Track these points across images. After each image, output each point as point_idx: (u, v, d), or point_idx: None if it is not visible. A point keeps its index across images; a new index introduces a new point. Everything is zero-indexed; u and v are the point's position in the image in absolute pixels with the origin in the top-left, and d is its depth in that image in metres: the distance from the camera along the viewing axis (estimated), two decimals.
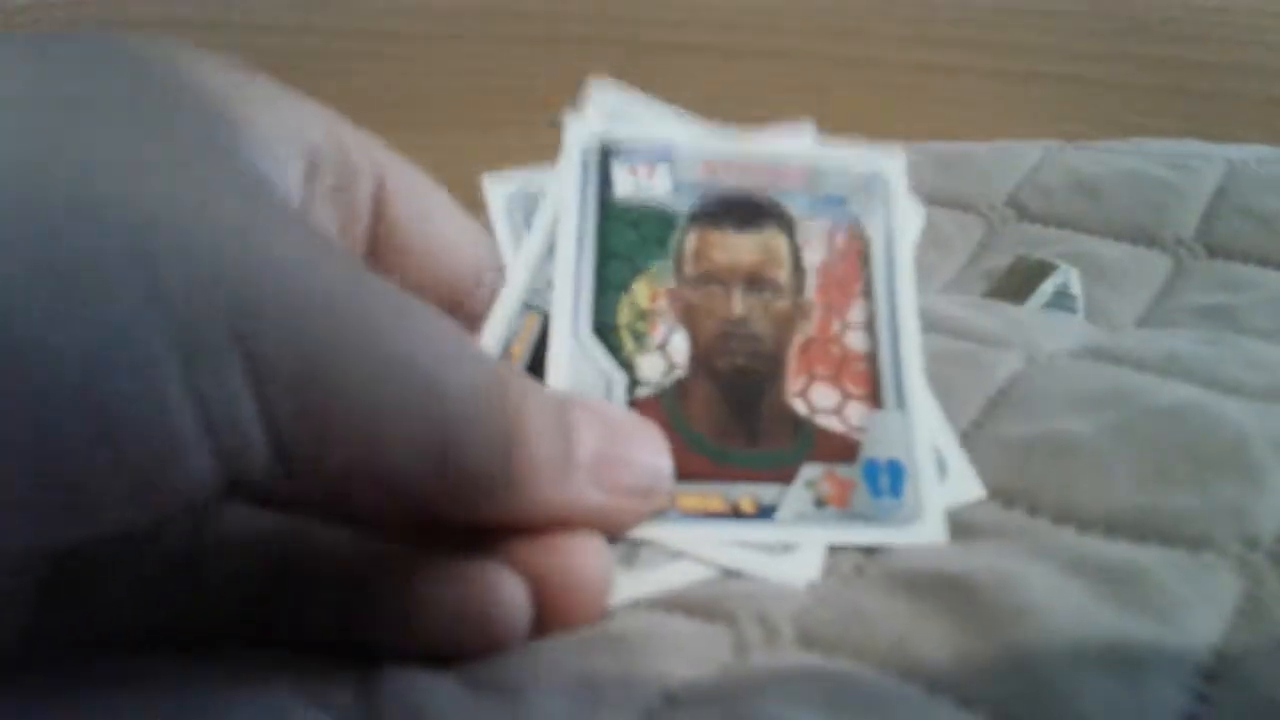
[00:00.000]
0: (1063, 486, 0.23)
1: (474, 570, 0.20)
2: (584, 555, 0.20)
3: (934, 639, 0.19)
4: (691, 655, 0.20)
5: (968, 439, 0.25)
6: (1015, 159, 0.48)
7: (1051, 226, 0.44)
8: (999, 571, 0.21)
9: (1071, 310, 0.38)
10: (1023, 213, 0.45)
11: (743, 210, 0.25)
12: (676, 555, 0.22)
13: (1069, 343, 0.29)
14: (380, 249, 0.23)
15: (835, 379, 0.24)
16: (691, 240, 0.25)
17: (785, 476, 0.23)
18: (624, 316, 0.24)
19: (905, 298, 0.25)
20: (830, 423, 0.24)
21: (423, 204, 0.24)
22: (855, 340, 0.25)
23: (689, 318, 0.25)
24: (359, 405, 0.17)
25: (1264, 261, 0.40)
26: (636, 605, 0.22)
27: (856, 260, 0.26)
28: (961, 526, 0.23)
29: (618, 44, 0.66)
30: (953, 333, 0.29)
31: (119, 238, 0.16)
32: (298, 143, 0.21)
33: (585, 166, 0.25)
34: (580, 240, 0.25)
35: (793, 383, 0.24)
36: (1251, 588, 0.20)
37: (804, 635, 0.20)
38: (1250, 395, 0.25)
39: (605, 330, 0.24)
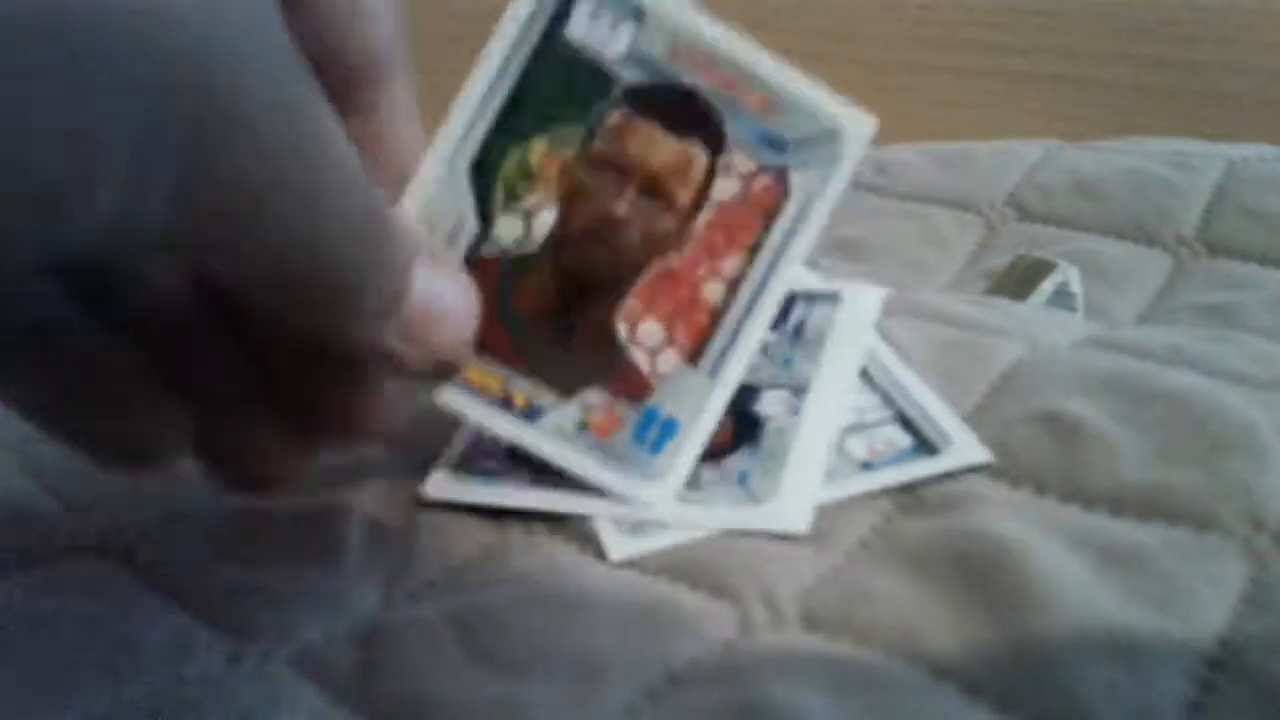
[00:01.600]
0: (1069, 465, 0.23)
1: None
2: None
3: (939, 625, 0.19)
4: (695, 633, 0.20)
5: (971, 423, 0.25)
6: (1015, 158, 0.48)
7: (1052, 225, 0.44)
8: (1005, 551, 0.20)
9: (1072, 309, 0.38)
10: (1023, 212, 0.45)
11: (680, 112, 0.23)
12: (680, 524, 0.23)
13: (1070, 336, 0.29)
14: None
15: (669, 321, 0.24)
16: (614, 118, 0.23)
17: (569, 390, 0.23)
18: (508, 168, 0.23)
19: (783, 272, 0.24)
20: (640, 359, 0.23)
21: None
22: (711, 292, 0.24)
23: (569, 198, 0.23)
24: (245, 184, 0.17)
25: (1264, 260, 0.40)
26: (642, 567, 0.22)
27: (761, 213, 0.24)
28: (969, 501, 0.23)
29: None
30: (953, 323, 0.29)
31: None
32: None
33: None
34: (503, 70, 0.23)
35: (630, 306, 0.23)
36: (1257, 573, 0.20)
37: (809, 617, 0.20)
38: (1254, 385, 0.25)
39: (483, 171, 0.23)
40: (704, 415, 0.23)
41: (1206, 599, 0.19)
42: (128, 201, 0.17)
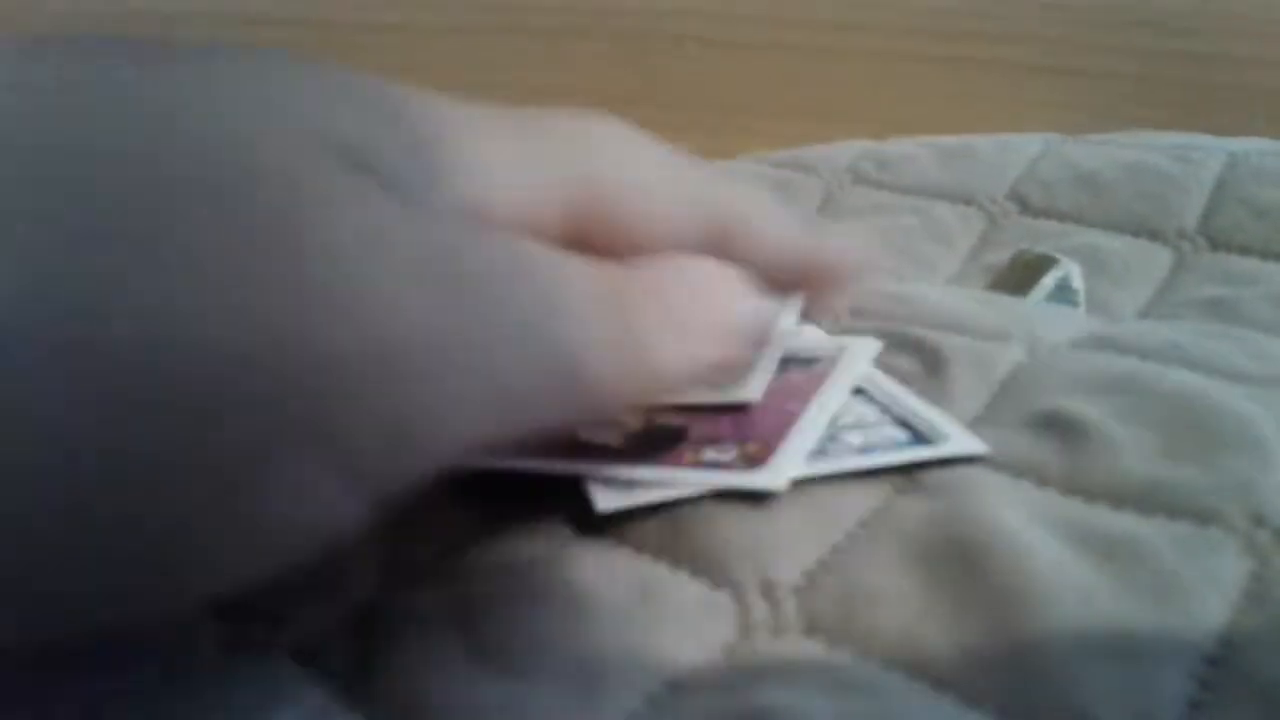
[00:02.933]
0: (1070, 460, 0.23)
1: None
2: None
3: (939, 630, 0.19)
4: (696, 633, 0.20)
5: (973, 430, 0.25)
6: (1016, 152, 0.48)
7: (1053, 220, 0.44)
8: (1004, 542, 0.20)
9: (1073, 304, 0.38)
10: (1024, 206, 0.45)
11: None
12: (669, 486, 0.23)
13: (1071, 334, 0.29)
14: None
15: None
16: None
17: None
18: None
19: None
20: None
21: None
22: None
23: None
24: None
25: (1265, 254, 0.40)
26: (638, 544, 0.22)
27: None
28: (969, 489, 0.23)
29: (620, 37, 0.66)
30: (953, 327, 0.29)
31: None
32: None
33: None
34: None
35: None
36: (1258, 569, 0.20)
37: (808, 618, 0.20)
38: (1255, 383, 0.25)
39: None
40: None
41: (1207, 595, 0.20)
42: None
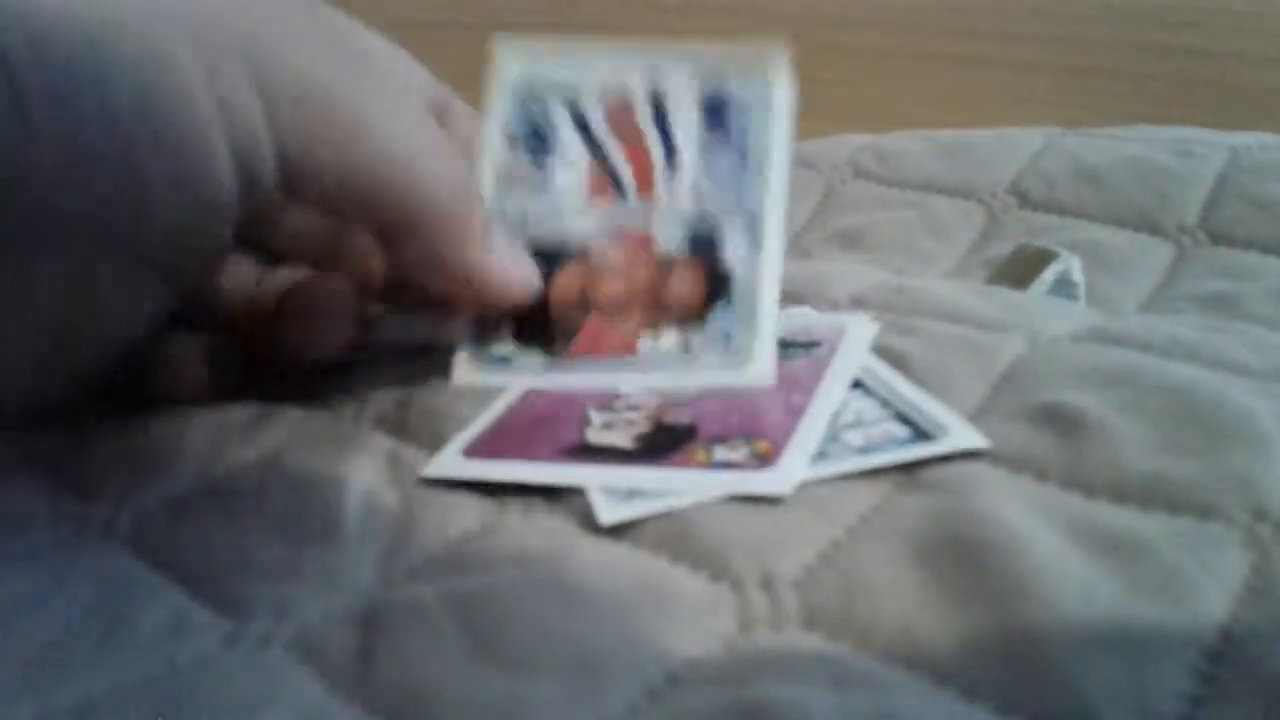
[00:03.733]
0: (1070, 454, 0.23)
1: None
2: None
3: (939, 623, 0.19)
4: (695, 626, 0.20)
5: (973, 422, 0.25)
6: (1017, 146, 0.48)
7: (1053, 214, 0.44)
8: (1005, 537, 0.20)
9: (1073, 297, 0.38)
10: (1025, 200, 0.45)
11: None
12: (675, 494, 0.23)
13: (1071, 327, 0.29)
14: None
15: None
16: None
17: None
18: None
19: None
20: None
21: None
22: None
23: None
24: (343, 140, 0.24)
25: (1266, 249, 0.40)
26: (638, 540, 0.22)
27: None
28: (969, 484, 0.23)
29: (618, 30, 0.66)
30: (954, 319, 0.29)
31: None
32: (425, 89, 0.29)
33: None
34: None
35: None
36: (1259, 562, 0.20)
37: (808, 611, 0.20)
38: (1256, 377, 0.25)
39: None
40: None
41: (1208, 589, 0.19)
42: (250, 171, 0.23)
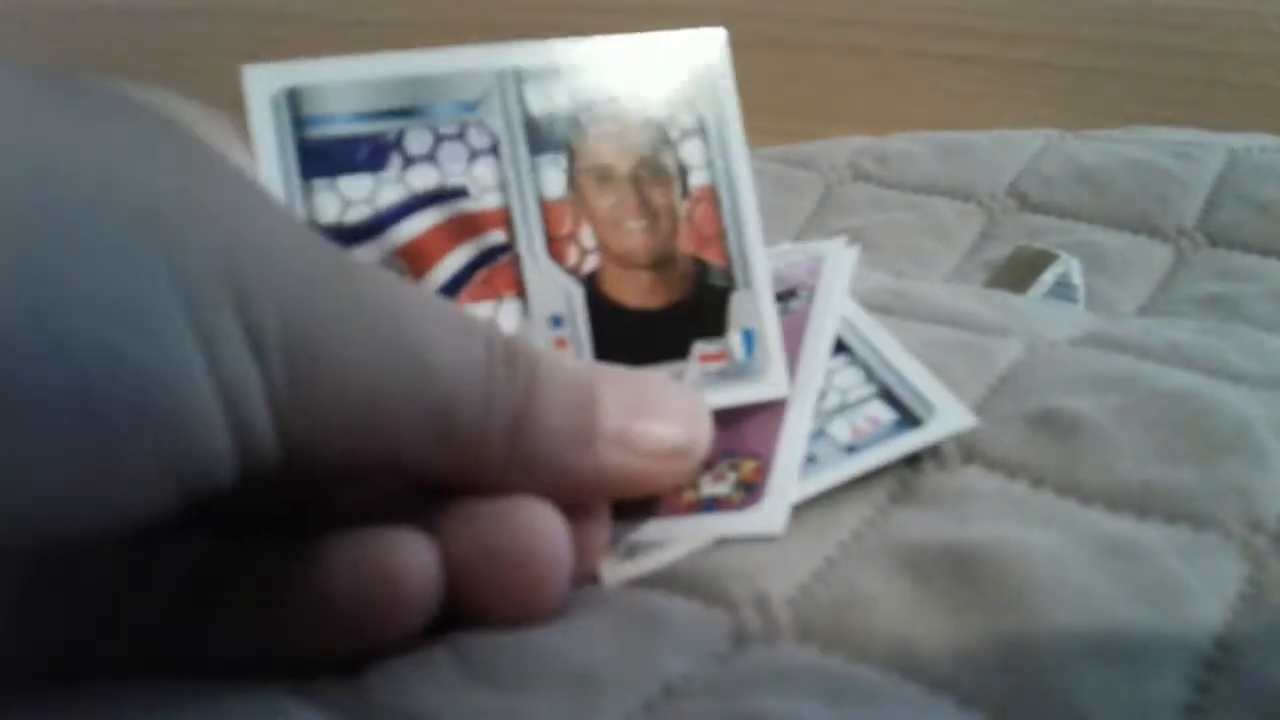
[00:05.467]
0: (1066, 460, 0.23)
1: (378, 540, 0.19)
2: (526, 521, 0.20)
3: (934, 632, 0.19)
4: (690, 644, 0.20)
5: None
6: (1016, 148, 0.48)
7: (1053, 216, 0.44)
8: (1000, 547, 0.20)
9: (1072, 300, 0.38)
10: (1024, 202, 0.45)
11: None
12: (671, 544, 0.22)
13: (1070, 331, 0.29)
14: None
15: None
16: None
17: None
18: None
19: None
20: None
21: None
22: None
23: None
24: (349, 377, 0.18)
25: (1266, 251, 0.40)
26: (633, 584, 0.22)
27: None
28: (964, 494, 0.23)
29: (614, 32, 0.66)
30: (952, 322, 0.29)
31: (126, 213, 0.16)
32: None
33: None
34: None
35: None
36: (1254, 572, 0.20)
37: (803, 625, 0.20)
38: (1253, 384, 0.25)
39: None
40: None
41: (1204, 598, 0.19)
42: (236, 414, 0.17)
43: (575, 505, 0.21)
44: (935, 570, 0.20)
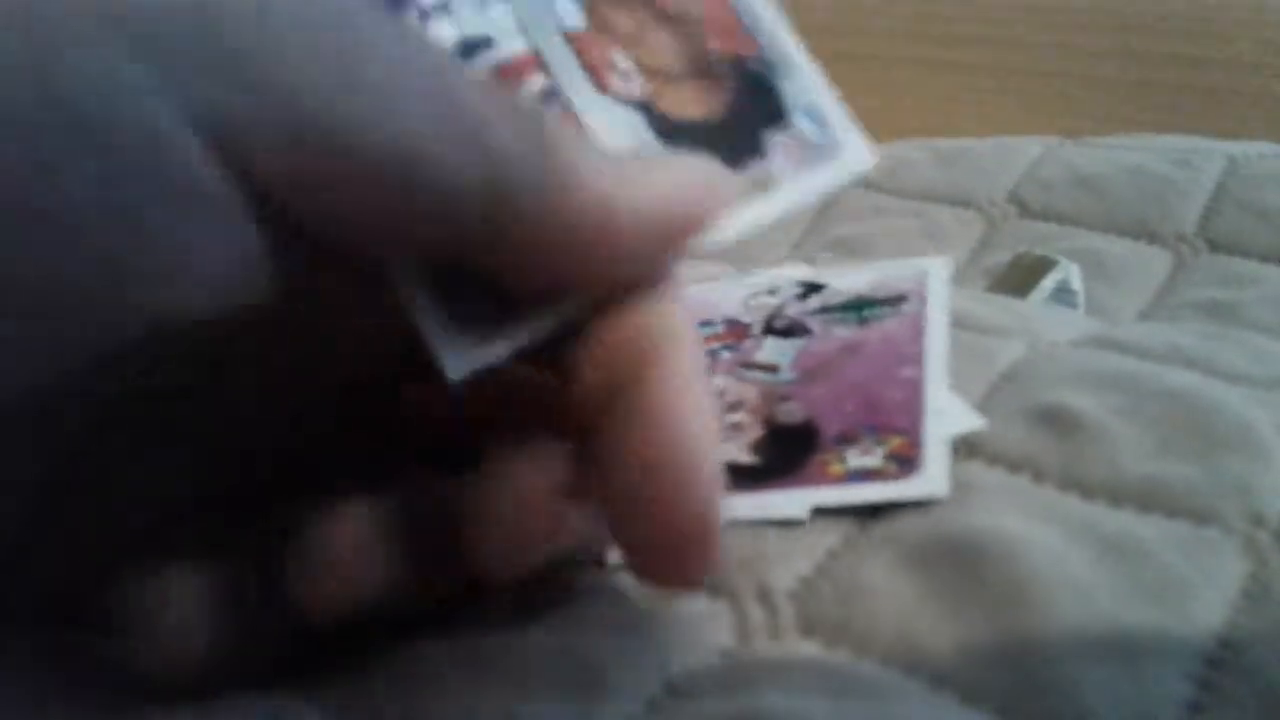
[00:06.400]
0: (1068, 455, 0.23)
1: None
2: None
3: (936, 628, 0.19)
4: (693, 638, 0.20)
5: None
6: (1016, 155, 0.48)
7: (1052, 222, 0.44)
8: (1002, 542, 0.20)
9: (1072, 306, 0.38)
10: (1024, 209, 0.45)
11: None
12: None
13: (1071, 333, 0.29)
14: None
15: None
16: None
17: None
18: None
19: None
20: None
21: None
22: None
23: None
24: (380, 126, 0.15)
25: (1265, 257, 0.40)
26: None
27: None
28: (965, 487, 0.23)
29: None
30: (953, 323, 0.29)
31: None
32: None
33: None
34: None
35: None
36: (1256, 569, 0.20)
37: (805, 620, 0.20)
38: (1254, 385, 0.25)
39: None
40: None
41: (1206, 595, 0.19)
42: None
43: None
44: (937, 565, 0.20)
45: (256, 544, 0.18)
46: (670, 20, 0.23)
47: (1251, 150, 0.45)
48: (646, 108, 0.22)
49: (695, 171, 0.19)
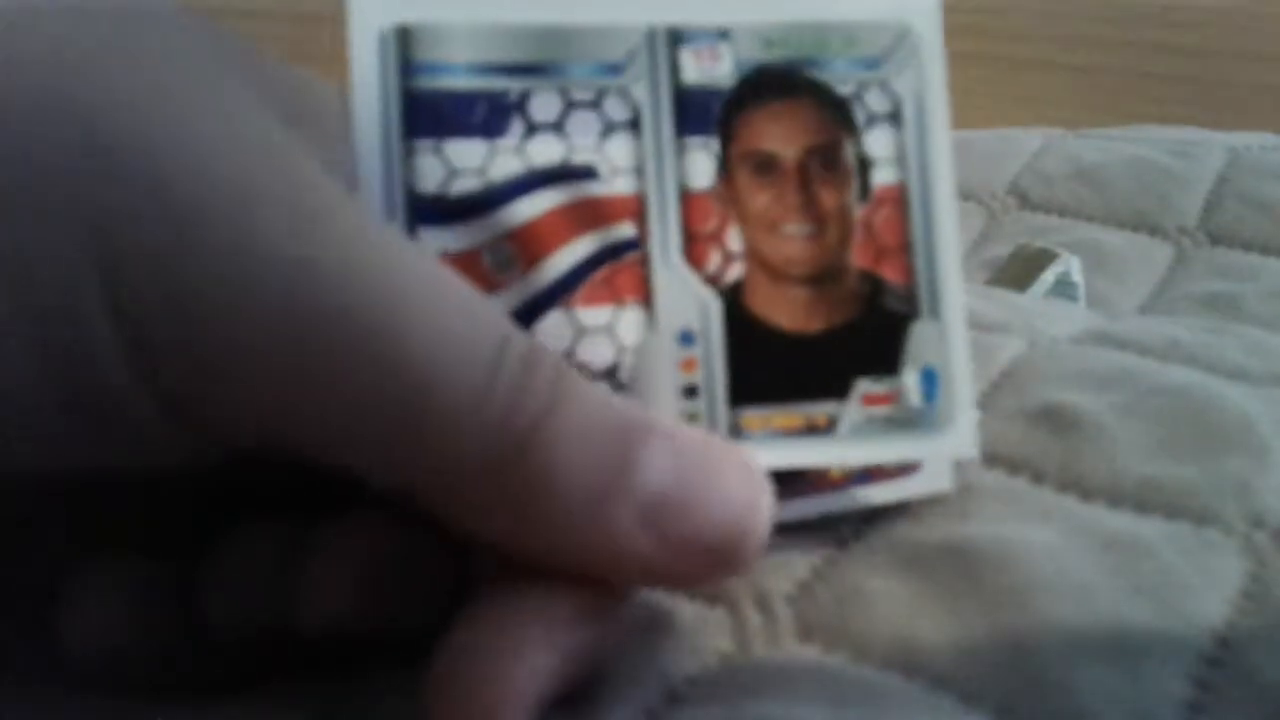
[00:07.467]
0: (1066, 456, 0.23)
1: None
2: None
3: (935, 631, 0.19)
4: (692, 645, 0.20)
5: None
6: (1016, 146, 0.48)
7: (1053, 214, 0.44)
8: (1001, 543, 0.20)
9: (1073, 298, 0.38)
10: (1024, 201, 0.45)
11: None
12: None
13: (1071, 328, 0.29)
14: None
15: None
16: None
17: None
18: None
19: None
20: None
21: None
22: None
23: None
24: (240, 318, 0.14)
25: (1266, 249, 0.40)
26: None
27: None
28: (964, 489, 0.22)
29: None
30: None
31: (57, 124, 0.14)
32: None
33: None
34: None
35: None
36: (1255, 569, 0.20)
37: (804, 624, 0.20)
38: (1254, 381, 0.25)
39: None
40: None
41: (1205, 595, 0.19)
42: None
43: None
44: (936, 566, 0.20)
45: (181, 550, 0.18)
46: (817, 217, 0.20)
47: (1253, 142, 0.45)
48: (732, 294, 0.20)
49: (744, 487, 0.17)
